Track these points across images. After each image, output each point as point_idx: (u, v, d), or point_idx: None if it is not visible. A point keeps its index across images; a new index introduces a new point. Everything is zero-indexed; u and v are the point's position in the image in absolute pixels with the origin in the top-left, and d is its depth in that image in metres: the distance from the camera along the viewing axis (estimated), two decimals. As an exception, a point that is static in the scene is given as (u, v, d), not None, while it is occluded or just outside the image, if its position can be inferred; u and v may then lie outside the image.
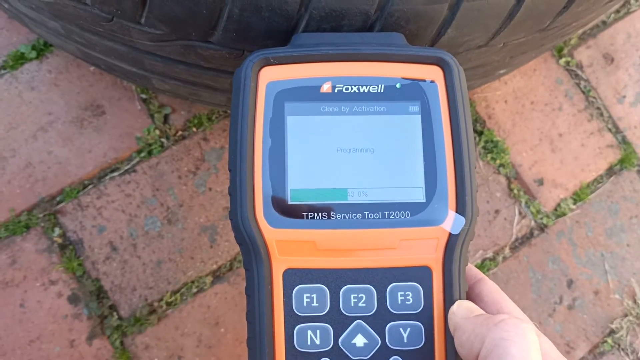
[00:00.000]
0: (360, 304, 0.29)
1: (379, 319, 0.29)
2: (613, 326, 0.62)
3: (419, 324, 0.29)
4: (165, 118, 0.60)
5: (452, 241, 0.29)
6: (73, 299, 0.54)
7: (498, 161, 0.64)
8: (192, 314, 0.56)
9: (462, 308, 0.28)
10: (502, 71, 0.50)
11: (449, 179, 0.29)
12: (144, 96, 0.60)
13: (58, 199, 0.57)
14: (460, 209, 0.29)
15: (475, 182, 0.29)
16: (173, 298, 0.56)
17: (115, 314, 0.55)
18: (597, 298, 0.62)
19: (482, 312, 0.27)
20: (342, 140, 0.30)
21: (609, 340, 0.61)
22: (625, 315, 0.62)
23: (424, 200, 0.29)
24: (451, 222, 0.29)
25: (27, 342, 0.53)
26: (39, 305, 0.54)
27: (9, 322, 0.53)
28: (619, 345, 0.61)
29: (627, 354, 0.61)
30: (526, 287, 0.61)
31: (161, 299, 0.56)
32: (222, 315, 0.56)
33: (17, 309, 0.54)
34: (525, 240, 0.63)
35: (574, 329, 0.61)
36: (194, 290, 0.56)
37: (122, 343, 0.54)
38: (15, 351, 0.53)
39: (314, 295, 0.29)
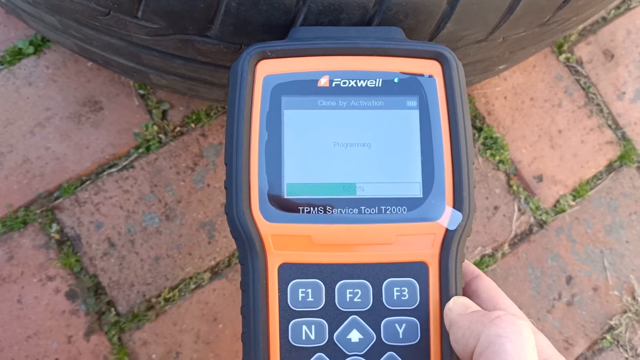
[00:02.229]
0: (355, 299, 0.28)
1: (374, 315, 0.28)
2: (612, 322, 0.61)
3: (415, 319, 0.28)
4: (164, 114, 0.60)
5: (448, 237, 0.28)
6: (71, 295, 0.54)
7: (497, 157, 0.63)
8: (190, 310, 0.56)
9: (458, 304, 0.27)
10: (501, 67, 0.50)
11: (446, 174, 0.29)
12: (142, 92, 0.60)
13: (55, 194, 0.56)
14: (457, 205, 0.28)
15: (472, 178, 0.29)
16: (171, 294, 0.56)
17: (113, 310, 0.55)
18: (596, 294, 0.62)
19: (478, 308, 0.27)
20: (339, 134, 0.29)
21: (608, 336, 0.61)
22: (624, 312, 0.62)
23: (421, 196, 0.29)
24: (448, 217, 0.28)
25: (25, 338, 0.53)
26: (37, 301, 0.54)
27: (6, 318, 0.53)
28: (618, 341, 0.61)
29: (625, 351, 0.61)
30: (525, 284, 0.61)
31: (159, 295, 0.55)
32: (220, 311, 0.56)
33: (14, 305, 0.54)
34: (524, 236, 0.62)
35: (573, 325, 0.61)
36: (192, 286, 0.56)
37: (119, 339, 0.54)
38: (12, 347, 0.53)
39: (309, 290, 0.28)
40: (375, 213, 0.29)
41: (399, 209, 0.29)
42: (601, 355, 0.61)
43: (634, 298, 0.63)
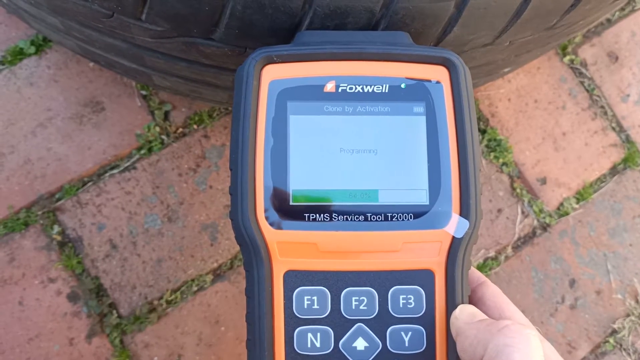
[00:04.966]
0: (361, 307, 0.28)
1: (380, 322, 0.28)
2: (615, 326, 0.61)
3: (421, 327, 0.28)
4: (166, 115, 0.59)
5: (455, 245, 0.28)
6: (72, 297, 0.54)
7: (501, 160, 0.63)
8: (192, 313, 0.55)
9: (464, 313, 0.27)
10: (506, 69, 0.50)
11: (453, 181, 0.29)
12: (144, 93, 0.59)
13: (57, 196, 0.56)
14: (464, 212, 0.28)
15: (479, 185, 0.29)
16: (173, 296, 0.55)
17: (114, 312, 0.54)
18: (599, 298, 0.62)
19: (485, 317, 0.27)
20: (345, 140, 0.29)
21: (611, 340, 0.61)
22: (628, 315, 0.62)
23: (428, 203, 0.28)
24: (455, 225, 0.28)
25: (26, 340, 0.53)
26: (38, 303, 0.54)
27: (7, 320, 0.53)
28: (621, 345, 0.61)
29: (629, 354, 0.61)
30: (528, 287, 0.61)
31: (161, 297, 0.55)
32: (223, 313, 0.56)
33: (16, 307, 0.53)
34: (527, 239, 0.62)
35: (576, 328, 0.61)
36: (194, 288, 0.56)
37: (121, 341, 0.54)
38: (14, 349, 0.53)
39: (315, 298, 0.28)
40: (381, 220, 0.28)
41: (405, 216, 0.28)
42: (604, 358, 0.60)
43: (637, 301, 0.62)
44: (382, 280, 0.28)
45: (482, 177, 0.63)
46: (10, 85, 0.58)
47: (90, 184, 0.57)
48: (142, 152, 0.58)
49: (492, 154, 0.63)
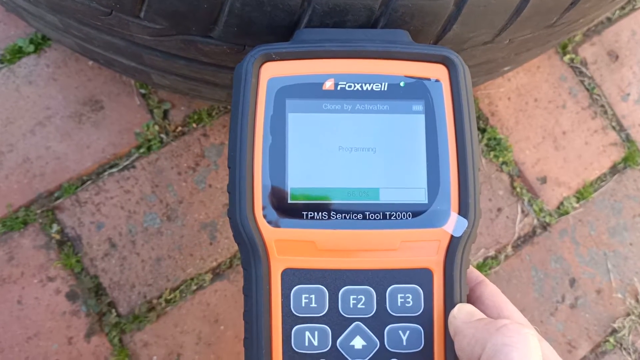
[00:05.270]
0: (359, 306, 0.28)
1: (378, 321, 0.28)
2: (615, 325, 0.61)
3: (419, 326, 0.28)
4: (165, 113, 0.59)
5: (453, 243, 0.28)
6: (71, 296, 0.54)
7: (501, 159, 0.63)
8: (191, 312, 0.55)
9: (463, 312, 0.27)
10: (506, 68, 0.50)
11: (452, 180, 0.28)
12: (143, 91, 0.59)
13: (56, 194, 0.56)
14: (462, 211, 0.28)
15: (478, 184, 0.29)
16: (172, 295, 0.55)
17: (113, 311, 0.54)
18: (600, 297, 0.62)
19: (483, 316, 0.27)
20: (343, 138, 0.29)
21: (611, 339, 0.61)
22: (628, 315, 0.62)
23: (426, 202, 0.28)
24: (453, 224, 0.28)
25: (25, 339, 0.53)
26: (37, 302, 0.54)
27: (6, 319, 0.53)
28: (621, 344, 0.61)
29: (629, 354, 0.61)
30: (528, 286, 0.61)
31: (160, 296, 0.55)
32: (222, 312, 0.56)
33: (14, 306, 0.53)
34: (527, 238, 0.62)
35: (576, 328, 0.61)
36: (194, 287, 0.56)
37: (120, 340, 0.54)
38: (12, 348, 0.52)
39: (313, 296, 0.28)
40: (379, 219, 0.28)
41: (403, 214, 0.28)
42: (604, 358, 0.60)
43: (637, 301, 0.62)
44: (380, 279, 0.28)
45: (482, 176, 0.63)
46: (9, 83, 0.58)
47: (89, 182, 0.57)
48: (141, 150, 0.58)
49: (492, 153, 0.63)
